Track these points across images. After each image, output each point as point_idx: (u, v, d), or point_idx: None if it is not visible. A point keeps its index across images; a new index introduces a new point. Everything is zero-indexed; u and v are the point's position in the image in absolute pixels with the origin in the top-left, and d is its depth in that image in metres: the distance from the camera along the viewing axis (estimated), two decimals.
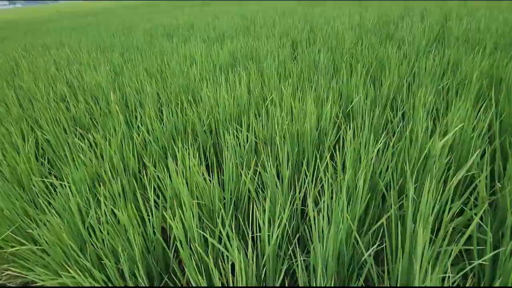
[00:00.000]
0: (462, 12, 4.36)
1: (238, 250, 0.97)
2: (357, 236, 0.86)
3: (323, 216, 0.99)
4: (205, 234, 0.91)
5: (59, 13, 20.60)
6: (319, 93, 1.81)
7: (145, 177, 1.21)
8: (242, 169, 1.38)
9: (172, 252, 1.13)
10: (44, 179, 1.35)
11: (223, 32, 4.49)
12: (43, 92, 2.25)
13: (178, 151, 1.39)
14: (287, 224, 1.02)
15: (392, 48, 2.55)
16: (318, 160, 1.11)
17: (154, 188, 1.46)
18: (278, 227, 1.03)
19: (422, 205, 0.81)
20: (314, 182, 1.16)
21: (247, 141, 1.46)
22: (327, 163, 1.39)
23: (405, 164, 1.16)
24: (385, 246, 1.07)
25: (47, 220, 1.11)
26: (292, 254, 1.03)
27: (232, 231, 1.12)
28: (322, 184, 1.21)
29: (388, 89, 1.80)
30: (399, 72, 2.02)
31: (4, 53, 4.07)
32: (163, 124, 1.60)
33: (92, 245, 1.08)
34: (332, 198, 1.15)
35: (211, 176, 1.61)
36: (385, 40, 3.19)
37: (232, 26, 4.96)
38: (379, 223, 0.96)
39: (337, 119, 1.72)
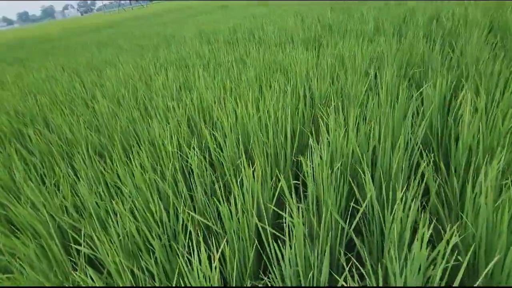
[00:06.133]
0: None
1: None
2: None
3: None
4: None
5: (65, 29, 20.03)
6: None
7: None
8: None
9: None
10: None
11: (299, 34, 3.73)
12: (162, 145, 1.50)
13: None
14: None
15: None
16: None
17: None
18: None
19: None
20: None
21: None
22: None
23: None
24: None
25: None
26: None
27: None
28: None
29: None
30: None
31: (50, 77, 3.33)
32: None
33: None
34: None
35: None
36: None
37: (301, 27, 4.20)
38: None
39: None
